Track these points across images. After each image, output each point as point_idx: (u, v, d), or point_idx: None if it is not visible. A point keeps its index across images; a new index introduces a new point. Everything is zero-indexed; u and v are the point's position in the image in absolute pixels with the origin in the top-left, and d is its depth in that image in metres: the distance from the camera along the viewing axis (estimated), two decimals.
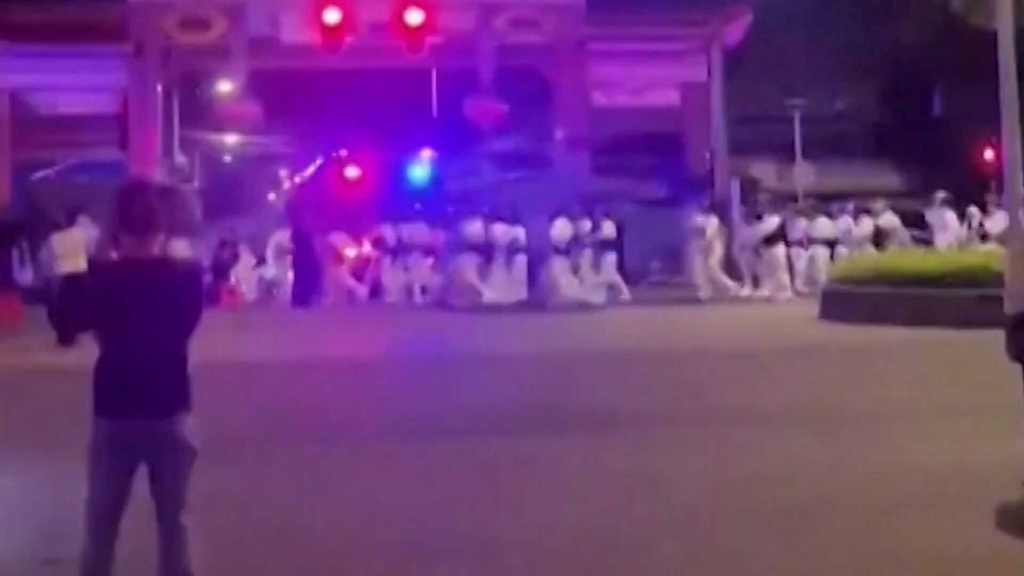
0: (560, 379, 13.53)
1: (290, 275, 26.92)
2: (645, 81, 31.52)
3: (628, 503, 7.67)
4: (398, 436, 10.18)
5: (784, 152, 29.35)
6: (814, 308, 19.61)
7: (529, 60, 31.39)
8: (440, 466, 8.86)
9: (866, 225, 24.98)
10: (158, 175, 31.52)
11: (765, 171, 31.59)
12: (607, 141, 31.31)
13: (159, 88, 31.10)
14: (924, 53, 30.21)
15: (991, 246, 22.03)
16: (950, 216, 25.06)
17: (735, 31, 31.04)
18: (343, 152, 31.56)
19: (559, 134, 31.54)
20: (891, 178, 31.02)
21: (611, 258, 25.47)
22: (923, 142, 31.82)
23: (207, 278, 26.42)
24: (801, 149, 28.54)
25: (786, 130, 28.62)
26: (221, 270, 26.68)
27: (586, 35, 30.93)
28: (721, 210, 26.84)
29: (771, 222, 24.70)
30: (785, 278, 24.42)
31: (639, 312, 22.74)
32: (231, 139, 36.63)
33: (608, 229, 25.14)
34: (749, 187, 29.66)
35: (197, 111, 32.90)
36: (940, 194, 25.68)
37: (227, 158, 38.43)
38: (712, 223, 24.98)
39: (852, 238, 25.06)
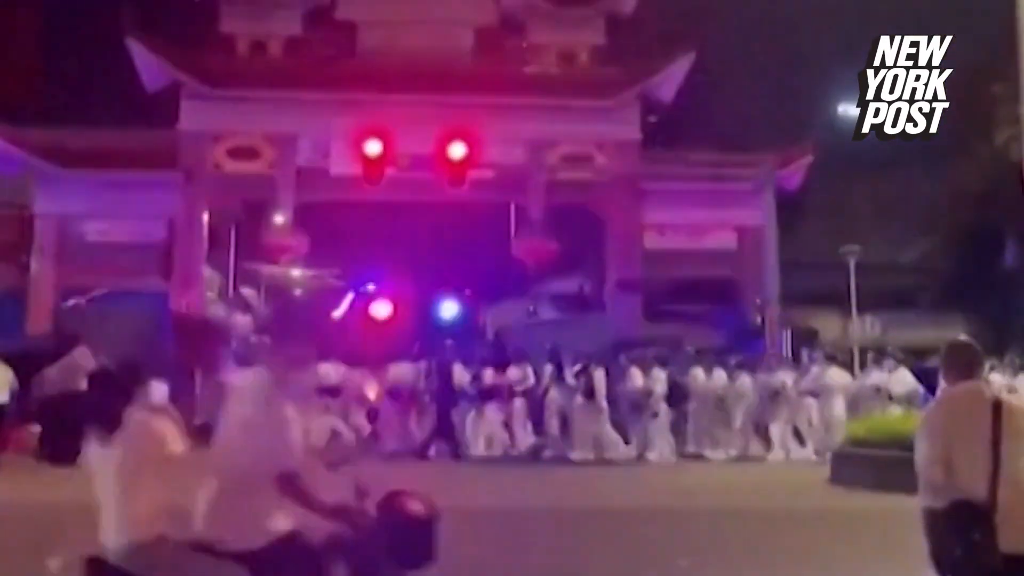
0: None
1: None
2: (700, 222, 30.08)
3: None
4: None
5: (846, 303, 27.28)
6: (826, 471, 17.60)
7: (581, 198, 30.29)
8: None
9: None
10: (212, 305, 30.87)
11: (827, 322, 29.54)
12: (660, 285, 29.85)
13: (205, 217, 30.71)
14: (992, 200, 28.21)
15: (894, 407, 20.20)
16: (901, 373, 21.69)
17: (794, 173, 29.60)
18: (371, 287, 30.60)
19: (611, 276, 30.18)
20: (961, 334, 28.65)
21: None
22: (995, 296, 29.51)
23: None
24: (860, 300, 26.41)
25: (847, 279, 26.64)
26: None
27: (640, 173, 29.75)
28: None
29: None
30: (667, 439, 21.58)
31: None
32: (295, 271, 36.00)
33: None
34: (807, 338, 27.62)
35: (256, 243, 32.34)
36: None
37: (296, 290, 37.77)
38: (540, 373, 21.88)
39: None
